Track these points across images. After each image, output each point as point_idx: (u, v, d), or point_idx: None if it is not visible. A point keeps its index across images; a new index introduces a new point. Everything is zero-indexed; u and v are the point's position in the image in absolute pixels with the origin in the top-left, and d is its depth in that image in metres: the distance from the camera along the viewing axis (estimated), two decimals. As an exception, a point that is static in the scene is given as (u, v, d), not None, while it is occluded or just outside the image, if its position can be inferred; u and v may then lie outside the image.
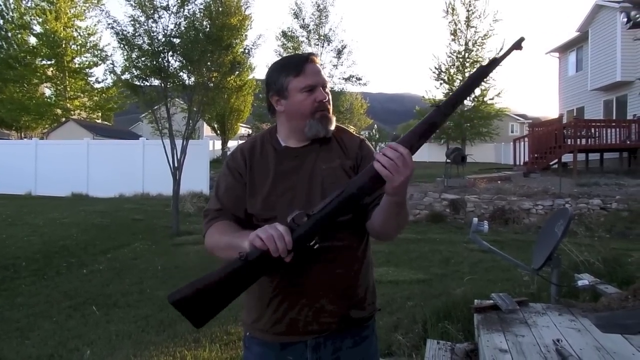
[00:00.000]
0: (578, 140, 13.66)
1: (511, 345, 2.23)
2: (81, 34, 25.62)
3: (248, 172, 1.37)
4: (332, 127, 1.37)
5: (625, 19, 4.25)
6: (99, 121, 28.39)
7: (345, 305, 1.35)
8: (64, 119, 24.70)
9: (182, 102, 11.66)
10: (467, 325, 3.16)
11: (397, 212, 1.21)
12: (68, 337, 4.26)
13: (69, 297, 5.44)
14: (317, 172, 1.34)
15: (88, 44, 25.66)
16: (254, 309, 1.38)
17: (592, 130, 14.03)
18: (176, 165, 9.42)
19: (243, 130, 32.00)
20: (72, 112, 25.80)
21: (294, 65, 1.33)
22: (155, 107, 10.06)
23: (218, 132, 26.69)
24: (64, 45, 24.49)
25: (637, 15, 4.24)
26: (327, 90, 1.36)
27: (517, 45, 1.13)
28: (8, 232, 8.64)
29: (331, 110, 1.36)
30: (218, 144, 26.60)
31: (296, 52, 23.27)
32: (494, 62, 1.13)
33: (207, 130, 30.06)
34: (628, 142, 13.79)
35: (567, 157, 14.19)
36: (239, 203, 1.36)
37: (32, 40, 24.72)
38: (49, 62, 25.01)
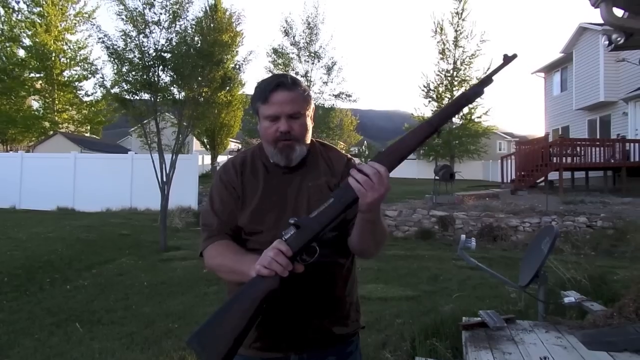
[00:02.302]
0: (564, 158, 13.88)
1: (499, 363, 2.23)
2: (71, 47, 25.53)
3: (240, 186, 1.39)
4: (299, 155, 1.37)
5: (607, 42, 4.36)
6: (87, 135, 28.17)
7: (328, 321, 1.36)
8: (51, 132, 24.46)
9: (172, 116, 11.62)
10: (455, 342, 3.15)
11: (371, 230, 1.22)
12: (50, 354, 4.15)
13: (51, 313, 5.32)
14: (304, 188, 1.37)
15: (78, 57, 25.57)
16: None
17: (578, 149, 14.28)
18: (165, 179, 9.35)
19: (233, 145, 31.95)
20: (60, 126, 25.57)
21: (261, 91, 1.35)
22: (145, 121, 10.01)
23: (207, 147, 26.61)
24: (53, 58, 24.38)
25: (619, 39, 4.35)
26: (300, 119, 1.35)
27: (508, 60, 1.16)
28: (-10, 246, 8.46)
29: (302, 139, 1.36)
30: (207, 159, 26.50)
31: (286, 68, 23.48)
32: (486, 81, 1.17)
33: (196, 144, 29.97)
34: (612, 161, 14.04)
35: (553, 175, 14.39)
36: (232, 217, 1.37)
37: (21, 52, 24.60)
38: (37, 75, 24.86)
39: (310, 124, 1.41)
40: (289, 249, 1.14)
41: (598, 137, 16.49)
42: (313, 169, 1.40)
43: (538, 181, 14.53)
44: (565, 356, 2.30)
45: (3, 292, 6.06)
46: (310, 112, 1.40)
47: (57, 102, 25.33)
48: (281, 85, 1.34)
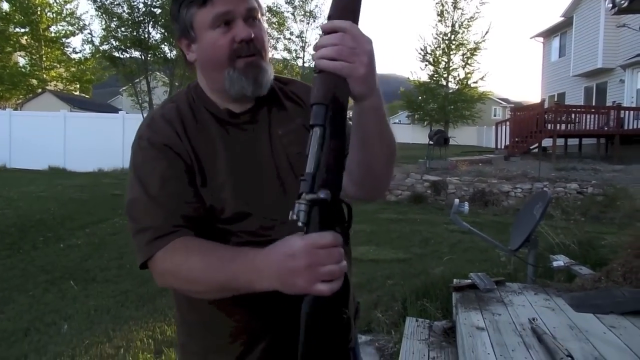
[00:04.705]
0: (558, 125, 13.87)
1: (488, 324, 2.28)
2: (57, 0, 24.67)
3: (190, 155, 0.91)
4: (268, 80, 0.94)
5: (610, 5, 4.26)
6: (77, 93, 27.61)
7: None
8: (39, 90, 23.93)
9: (163, 75, 11.39)
10: (445, 303, 3.22)
11: (379, 128, 0.82)
12: (45, 311, 4.20)
13: (45, 271, 5.35)
14: (276, 141, 0.95)
15: (64, 12, 24.75)
16: (208, 347, 0.97)
17: (572, 116, 14.26)
18: (157, 140, 9.25)
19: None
20: (49, 83, 25.00)
21: None
22: (136, 81, 9.82)
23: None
24: (39, 12, 23.56)
25: (622, 2, 4.25)
26: (259, 21, 0.93)
27: None
28: (-18, 204, 8.42)
29: (265, 54, 0.94)
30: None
31: (281, 27, 22.92)
32: None
33: (188, 105, 29.51)
34: (606, 129, 14.06)
35: (547, 142, 14.41)
36: (183, 201, 0.88)
37: (5, 6, 23.71)
38: (23, 30, 24.08)
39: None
40: (339, 239, 0.70)
41: (594, 104, 16.44)
42: (278, 110, 0.98)
43: (531, 147, 14.56)
44: (553, 318, 2.35)
45: (-4, 250, 6.08)
46: (265, 24, 0.98)
47: (44, 59, 24.67)
48: None
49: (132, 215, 0.90)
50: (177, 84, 9.65)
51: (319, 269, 0.67)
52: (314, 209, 0.68)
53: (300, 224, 0.68)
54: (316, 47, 0.72)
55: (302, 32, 22.45)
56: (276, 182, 0.92)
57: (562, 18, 18.54)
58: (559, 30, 19.53)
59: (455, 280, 3.09)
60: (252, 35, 0.89)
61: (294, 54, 23.70)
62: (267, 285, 0.73)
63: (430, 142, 12.31)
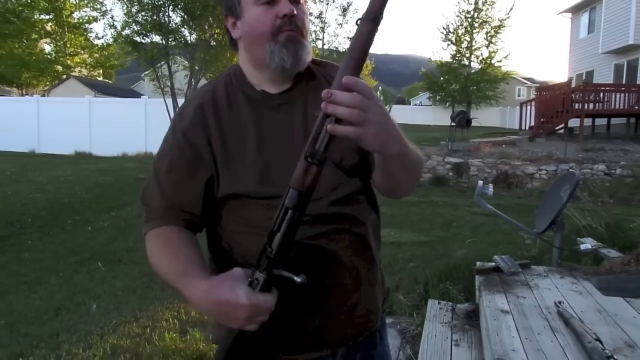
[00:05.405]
0: (586, 104, 13.44)
1: (512, 307, 2.26)
2: (79, -14, 24.95)
3: (216, 140, 0.94)
4: (307, 56, 0.96)
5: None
6: (100, 79, 28.03)
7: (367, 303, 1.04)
8: (64, 76, 24.38)
9: (183, 59, 11.43)
10: (467, 286, 3.19)
11: (402, 169, 0.88)
12: (74, 291, 4.34)
13: (74, 253, 5.52)
14: (311, 121, 0.91)
15: (87, -2, 25.04)
16: None
17: (601, 95, 13.79)
18: (179, 124, 9.34)
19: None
20: (73, 69, 25.44)
21: None
22: (157, 65, 9.88)
23: (220, 91, 26.41)
24: (62, -1, 23.90)
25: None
26: (302, 3, 0.96)
27: None
28: (13, 188, 8.68)
29: (305, 33, 0.96)
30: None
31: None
32: None
33: (209, 89, 29.66)
34: (636, 108, 13.57)
35: (573, 122, 14.00)
36: (188, 191, 0.94)
37: (30, -8, 24.08)
38: (47, 17, 24.48)
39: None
40: (275, 300, 0.79)
41: (624, 82, 15.85)
42: (316, 91, 0.91)
43: (557, 128, 14.18)
44: (580, 301, 2.31)
45: (28, 233, 6.28)
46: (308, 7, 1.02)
47: (68, 45, 25.08)
48: None
49: (145, 185, 1.00)
50: (197, 68, 9.67)
51: (253, 319, 0.79)
52: (267, 282, 0.79)
53: (256, 289, 0.78)
54: (332, 101, 0.72)
55: (321, 12, 22.20)
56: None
57: (592, -7, 17.83)
58: (588, 5, 18.78)
59: (478, 263, 3.06)
60: (295, 12, 0.92)
61: (313, 36, 23.51)
62: (201, 310, 0.85)
63: (453, 124, 12.10)
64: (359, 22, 0.75)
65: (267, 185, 0.92)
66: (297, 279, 0.78)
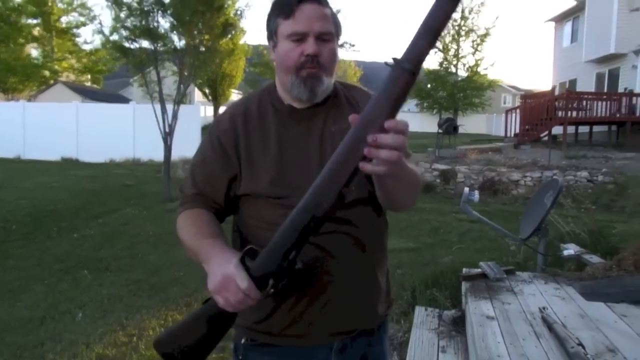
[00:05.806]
0: (569, 112, 13.69)
1: (498, 313, 2.29)
2: (68, -9, 24.76)
3: (243, 145, 1.09)
4: (326, 91, 1.09)
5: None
6: (88, 84, 27.78)
7: (373, 297, 1.17)
8: (52, 81, 24.12)
9: (172, 65, 11.39)
10: (454, 292, 3.23)
11: (399, 187, 0.99)
12: (60, 299, 4.29)
13: (60, 260, 5.45)
14: (327, 135, 1.09)
15: (75, 3, 24.84)
16: (257, 307, 1.04)
17: (584, 103, 14.05)
18: (167, 130, 9.30)
19: (235, 96, 31.58)
20: (61, 74, 25.18)
21: (285, 4, 1.06)
22: (146, 71, 9.82)
23: (209, 97, 26.28)
24: (50, 3, 23.67)
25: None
26: (331, 42, 1.08)
27: None
28: (-4, 195, 8.56)
29: (329, 69, 1.08)
30: (210, 110, 26.26)
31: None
32: None
33: (198, 95, 29.58)
34: (618, 116, 13.85)
35: (557, 130, 14.25)
36: (212, 187, 1.11)
37: (17, -3, 23.85)
38: (35, 21, 24.24)
39: (338, 56, 1.13)
40: (255, 292, 0.89)
41: (606, 90, 16.18)
42: (336, 110, 1.12)
43: (542, 135, 14.41)
44: (563, 307, 2.35)
45: (12, 240, 6.20)
46: (338, 42, 1.14)
47: (56, 49, 24.83)
48: None
49: (184, 179, 1.18)
50: (186, 73, 9.65)
51: (222, 293, 0.90)
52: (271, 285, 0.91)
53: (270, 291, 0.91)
54: (377, 145, 0.78)
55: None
56: (318, 170, 0.96)
57: (575, 2, 18.20)
58: (571, 15, 19.18)
59: (464, 269, 3.10)
60: (317, 52, 1.04)
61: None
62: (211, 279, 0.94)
63: (440, 131, 12.22)
64: (394, 65, 0.78)
65: (279, 186, 1.05)
66: (298, 264, 0.90)
